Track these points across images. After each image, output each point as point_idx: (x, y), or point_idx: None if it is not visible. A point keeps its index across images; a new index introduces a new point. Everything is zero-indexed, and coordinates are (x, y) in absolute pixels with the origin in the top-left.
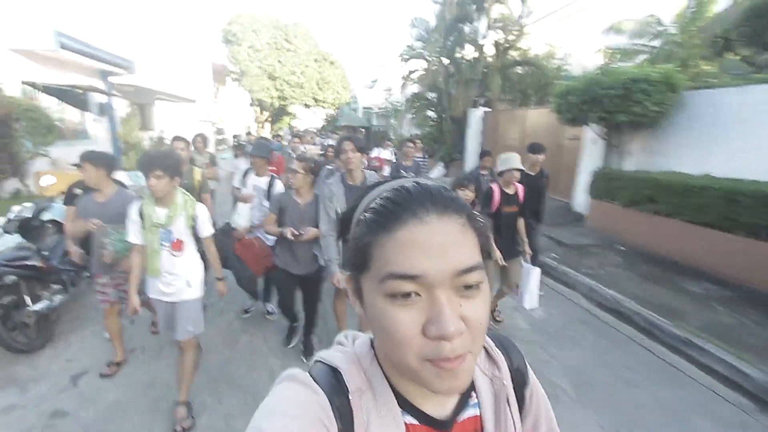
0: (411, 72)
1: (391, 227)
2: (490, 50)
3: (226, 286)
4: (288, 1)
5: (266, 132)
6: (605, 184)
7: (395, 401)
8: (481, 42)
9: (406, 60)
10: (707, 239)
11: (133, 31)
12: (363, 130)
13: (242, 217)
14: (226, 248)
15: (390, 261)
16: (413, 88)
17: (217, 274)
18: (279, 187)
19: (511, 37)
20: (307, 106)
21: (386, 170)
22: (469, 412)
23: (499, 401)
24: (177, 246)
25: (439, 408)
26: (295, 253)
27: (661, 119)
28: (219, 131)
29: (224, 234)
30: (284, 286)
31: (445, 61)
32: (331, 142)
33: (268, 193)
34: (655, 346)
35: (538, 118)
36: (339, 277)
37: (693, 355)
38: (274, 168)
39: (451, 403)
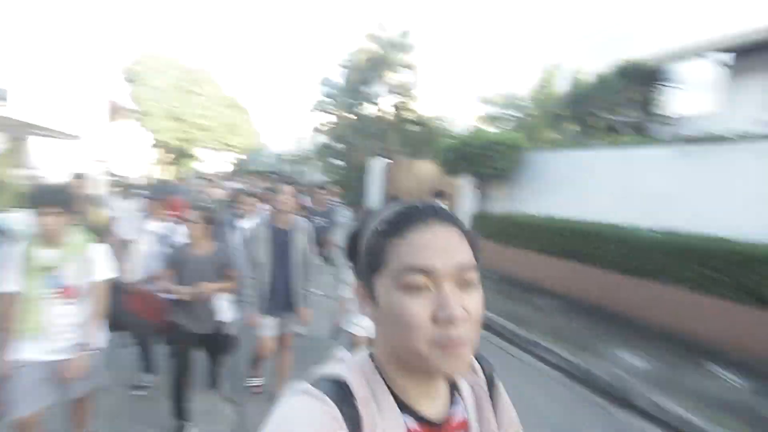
0: (320, 125)
1: (403, 232)
2: (389, 110)
3: (85, 362)
4: (194, 46)
5: (169, 175)
6: (480, 224)
7: (396, 406)
8: (380, 103)
9: (317, 113)
10: (547, 265)
11: (8, 59)
12: (273, 175)
13: (134, 270)
14: (116, 305)
15: (404, 258)
16: (323, 138)
17: (90, 334)
18: (180, 233)
19: (404, 102)
20: (215, 150)
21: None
22: (458, 415)
23: (480, 404)
24: (69, 293)
25: (434, 409)
26: (193, 309)
27: (512, 173)
28: (111, 173)
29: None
30: (182, 346)
31: (351, 116)
32: (239, 186)
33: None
34: (512, 349)
35: (427, 168)
36: (257, 320)
37: (536, 351)
38: (176, 212)
39: (443, 405)
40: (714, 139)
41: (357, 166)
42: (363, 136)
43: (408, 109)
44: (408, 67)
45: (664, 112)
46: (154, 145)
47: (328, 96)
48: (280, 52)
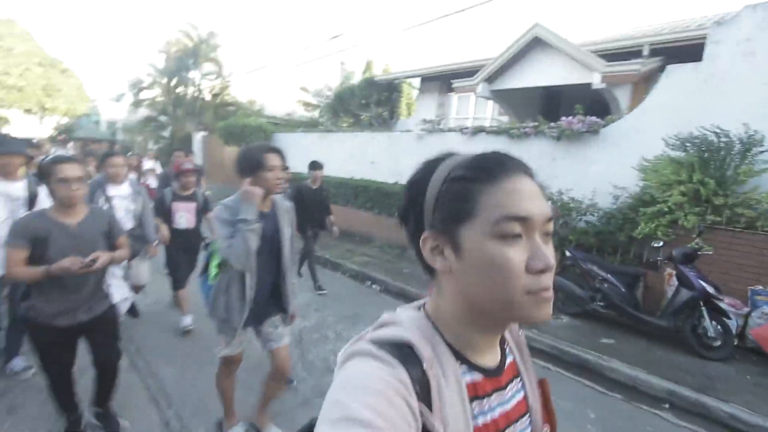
0: (142, 100)
1: (496, 178)
2: (205, 92)
3: None
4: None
5: None
6: None
7: (456, 363)
8: (198, 86)
9: (140, 90)
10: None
11: None
12: (107, 143)
13: None
14: None
15: (501, 205)
16: (146, 111)
17: None
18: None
19: (220, 86)
20: (29, 112)
21: (152, 180)
22: (509, 359)
23: (520, 347)
24: None
25: (490, 359)
26: (72, 292)
27: None
28: None
29: None
30: (55, 351)
31: (171, 95)
32: (66, 153)
33: (30, 204)
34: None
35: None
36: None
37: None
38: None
39: (497, 354)
40: (329, 129)
41: (180, 138)
42: (184, 112)
43: (224, 93)
44: (217, 61)
45: (395, 112)
46: None
47: (150, 75)
48: (111, 18)
